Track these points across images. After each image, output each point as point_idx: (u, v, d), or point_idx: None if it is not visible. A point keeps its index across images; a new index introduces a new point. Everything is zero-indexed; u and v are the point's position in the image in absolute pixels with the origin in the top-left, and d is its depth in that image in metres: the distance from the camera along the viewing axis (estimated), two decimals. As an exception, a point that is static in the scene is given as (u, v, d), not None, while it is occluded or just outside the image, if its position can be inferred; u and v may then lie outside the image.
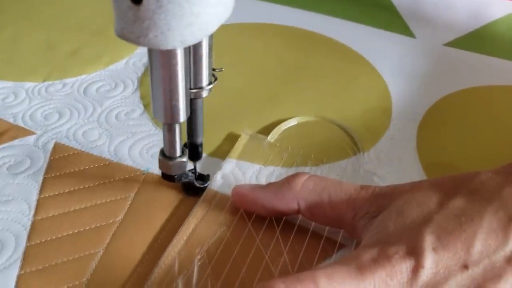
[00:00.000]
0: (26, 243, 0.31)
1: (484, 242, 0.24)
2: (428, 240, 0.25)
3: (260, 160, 0.37)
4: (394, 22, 0.52)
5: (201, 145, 0.34)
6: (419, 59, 0.48)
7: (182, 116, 0.29)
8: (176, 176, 0.33)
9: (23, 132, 0.39)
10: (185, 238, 0.31)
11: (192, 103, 0.31)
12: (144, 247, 0.31)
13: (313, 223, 0.32)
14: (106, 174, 0.36)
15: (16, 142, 0.38)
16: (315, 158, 0.37)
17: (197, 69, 0.30)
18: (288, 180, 0.31)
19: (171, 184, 0.34)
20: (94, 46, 0.49)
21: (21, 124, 0.40)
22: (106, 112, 0.41)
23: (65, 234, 0.32)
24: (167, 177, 0.33)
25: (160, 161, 0.32)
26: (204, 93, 0.31)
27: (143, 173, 0.36)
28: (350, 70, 0.47)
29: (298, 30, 0.52)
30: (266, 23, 0.53)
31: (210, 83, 0.31)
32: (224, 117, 0.41)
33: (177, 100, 0.28)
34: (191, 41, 0.25)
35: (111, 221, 0.33)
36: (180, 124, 0.30)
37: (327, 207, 0.30)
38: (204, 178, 0.35)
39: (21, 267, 0.30)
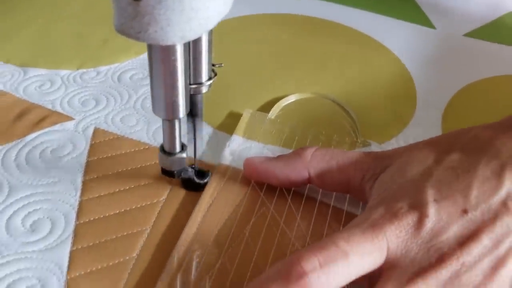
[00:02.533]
0: (75, 221, 0.33)
1: (480, 189, 0.27)
2: (429, 193, 0.27)
3: (263, 136, 0.39)
4: (414, 13, 0.53)
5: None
6: (440, 49, 0.50)
7: (182, 112, 0.29)
8: (175, 172, 0.33)
9: (62, 117, 0.41)
10: (203, 210, 0.33)
11: (191, 98, 0.31)
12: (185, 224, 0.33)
13: (320, 192, 0.34)
14: (147, 158, 0.37)
15: (56, 127, 0.40)
16: (314, 136, 0.39)
17: (196, 65, 0.30)
18: (298, 152, 0.34)
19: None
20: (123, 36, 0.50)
21: (59, 110, 0.41)
22: (141, 99, 0.43)
23: (112, 213, 0.33)
24: (166, 172, 0.33)
25: (159, 157, 0.33)
26: (204, 89, 0.32)
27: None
28: (373, 59, 0.48)
29: (321, 21, 0.53)
30: (289, 13, 0.54)
31: (209, 79, 0.32)
32: (226, 96, 0.43)
33: (176, 95, 0.28)
34: (191, 37, 0.25)
35: (155, 201, 0.34)
36: (180, 119, 0.30)
37: (336, 172, 0.32)
38: (204, 174, 0.35)
39: (73, 244, 0.31)
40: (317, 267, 0.25)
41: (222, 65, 0.33)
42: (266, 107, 0.42)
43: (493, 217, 0.26)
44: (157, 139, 0.39)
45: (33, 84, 0.44)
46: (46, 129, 0.39)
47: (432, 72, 0.47)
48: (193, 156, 0.35)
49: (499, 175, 0.27)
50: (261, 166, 0.34)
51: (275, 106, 0.42)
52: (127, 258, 0.31)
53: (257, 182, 0.35)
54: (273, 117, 0.41)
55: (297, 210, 0.34)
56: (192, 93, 0.31)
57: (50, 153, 0.37)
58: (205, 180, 0.35)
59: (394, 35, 0.51)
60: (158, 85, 0.28)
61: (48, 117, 0.40)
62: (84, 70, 0.46)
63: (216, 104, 0.42)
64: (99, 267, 0.30)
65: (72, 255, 0.31)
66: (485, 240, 0.26)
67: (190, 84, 0.31)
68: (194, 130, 0.34)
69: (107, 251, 0.31)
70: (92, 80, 0.45)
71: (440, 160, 0.29)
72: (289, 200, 0.34)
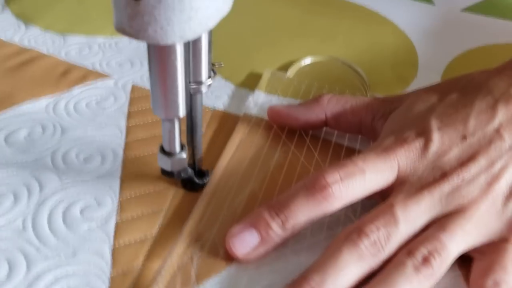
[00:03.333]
0: (122, 156, 0.38)
1: (477, 120, 0.32)
2: (433, 123, 0.32)
3: (282, 91, 0.44)
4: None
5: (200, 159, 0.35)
6: (439, 22, 0.55)
7: (182, 111, 0.29)
8: (175, 172, 0.33)
9: (102, 76, 0.45)
10: (231, 153, 0.38)
11: (191, 98, 0.32)
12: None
13: (335, 134, 0.39)
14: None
15: (98, 84, 0.45)
16: (329, 90, 0.44)
17: (196, 64, 0.30)
18: (316, 98, 0.39)
19: (231, 118, 0.41)
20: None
21: (99, 70, 0.46)
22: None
23: (151, 153, 0.38)
24: (166, 173, 0.33)
25: (159, 157, 0.33)
26: (204, 88, 0.31)
27: (211, 110, 0.42)
28: (379, 30, 0.53)
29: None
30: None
31: (209, 78, 0.32)
32: (246, 57, 0.49)
33: (176, 95, 0.28)
34: (191, 36, 0.25)
35: (190, 142, 0.39)
36: (180, 119, 0.31)
37: (349, 114, 0.37)
38: (203, 174, 0.35)
39: (122, 172, 0.36)
40: (338, 180, 0.30)
41: (222, 64, 0.35)
42: (284, 69, 0.47)
43: (488, 142, 0.31)
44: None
45: (72, 49, 0.49)
46: (89, 86, 0.44)
47: (432, 42, 0.52)
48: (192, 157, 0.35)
49: (492, 108, 0.32)
50: (283, 111, 0.39)
51: (292, 67, 0.47)
52: (169, 183, 0.36)
53: (279, 127, 0.40)
54: (291, 76, 0.46)
55: (315, 149, 0.38)
56: (191, 92, 0.31)
57: (95, 104, 0.42)
58: (205, 181, 0.35)
59: (397, 11, 0.56)
60: (157, 84, 0.28)
61: (89, 75, 0.45)
62: (119, 38, 0.50)
63: (237, 65, 0.47)
64: (147, 191, 0.35)
65: (122, 181, 0.36)
66: (482, 161, 0.31)
67: (189, 84, 0.31)
68: (193, 130, 0.34)
69: (151, 178, 0.36)
70: (126, 46, 0.49)
71: (442, 99, 0.34)
72: (308, 141, 0.39)
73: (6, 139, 0.38)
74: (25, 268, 0.30)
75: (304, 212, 0.30)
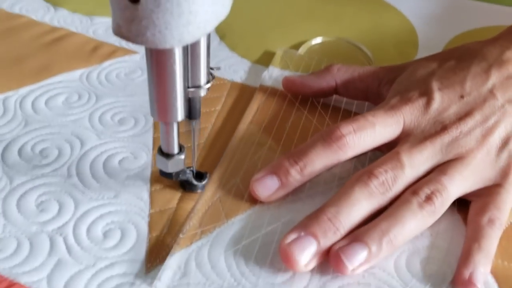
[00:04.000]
0: (153, 120, 0.42)
1: (473, 81, 0.36)
2: (434, 84, 0.36)
3: (295, 67, 0.48)
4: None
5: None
6: (439, 7, 0.59)
7: (180, 115, 0.29)
8: (174, 174, 0.33)
9: (129, 51, 0.49)
10: (250, 117, 0.42)
11: (190, 101, 0.32)
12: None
13: (344, 102, 0.43)
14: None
15: (126, 58, 0.49)
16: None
17: (195, 68, 0.30)
18: (327, 67, 0.43)
19: (248, 89, 0.45)
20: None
21: (125, 47, 0.50)
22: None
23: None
24: (165, 174, 0.33)
25: (157, 158, 0.33)
26: (202, 92, 0.31)
27: (230, 82, 0.46)
28: (382, 14, 0.58)
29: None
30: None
31: (208, 82, 0.31)
32: (261, 37, 0.53)
33: (175, 99, 0.28)
34: (189, 40, 0.25)
35: (213, 109, 0.43)
36: (178, 122, 0.31)
37: (357, 81, 0.42)
38: (202, 176, 0.36)
39: (154, 133, 0.40)
40: (351, 132, 0.34)
41: (220, 68, 0.36)
42: (295, 48, 0.51)
43: (483, 101, 0.35)
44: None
45: (99, 28, 0.53)
46: (118, 59, 0.48)
47: (431, 24, 0.56)
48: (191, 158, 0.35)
49: (486, 72, 0.37)
50: (297, 79, 0.43)
51: (303, 46, 0.51)
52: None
53: (293, 96, 0.44)
54: (302, 54, 0.50)
55: (326, 114, 0.43)
56: (190, 96, 0.31)
57: (124, 75, 0.46)
58: (203, 182, 0.35)
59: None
60: (156, 88, 0.28)
61: (117, 51, 0.49)
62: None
63: (253, 44, 0.51)
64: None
65: (154, 140, 0.40)
66: (477, 116, 0.35)
67: (188, 88, 0.31)
68: (192, 133, 0.34)
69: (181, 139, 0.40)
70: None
71: (441, 65, 0.38)
72: (319, 107, 0.43)
73: (46, 103, 0.42)
74: (73, 207, 0.34)
75: (321, 160, 0.34)
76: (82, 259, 0.31)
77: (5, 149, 0.38)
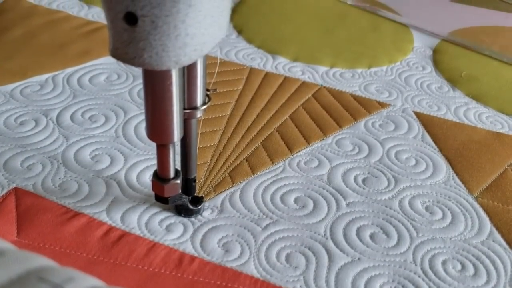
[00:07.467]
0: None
1: None
2: None
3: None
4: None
5: (194, 180, 0.34)
6: (432, 11, 0.66)
7: (176, 137, 0.29)
8: (169, 198, 0.32)
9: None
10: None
11: (185, 123, 0.31)
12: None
13: None
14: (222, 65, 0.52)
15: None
16: None
17: (191, 89, 0.30)
18: None
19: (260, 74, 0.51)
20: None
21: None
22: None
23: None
24: (160, 199, 0.33)
25: (153, 183, 0.32)
26: (198, 113, 0.31)
27: (247, 67, 0.53)
28: (379, 17, 0.64)
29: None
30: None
31: (204, 103, 0.31)
32: (274, 29, 0.59)
33: (171, 120, 0.28)
34: (186, 62, 0.25)
35: (236, 88, 0.49)
36: (174, 145, 0.30)
37: None
38: (198, 200, 0.35)
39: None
40: None
41: (217, 90, 0.36)
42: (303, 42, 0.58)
43: None
44: (229, 56, 0.54)
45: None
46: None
47: (424, 25, 0.63)
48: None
49: None
50: None
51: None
52: (224, 114, 0.46)
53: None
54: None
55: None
56: (186, 117, 0.31)
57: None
58: (199, 206, 0.35)
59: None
60: (152, 109, 0.28)
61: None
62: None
63: (267, 36, 0.58)
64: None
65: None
66: None
67: (184, 109, 0.30)
68: (186, 155, 0.33)
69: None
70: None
71: None
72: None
73: (90, 81, 0.48)
74: (123, 160, 0.39)
75: None
76: (134, 198, 0.36)
77: (58, 115, 0.43)
